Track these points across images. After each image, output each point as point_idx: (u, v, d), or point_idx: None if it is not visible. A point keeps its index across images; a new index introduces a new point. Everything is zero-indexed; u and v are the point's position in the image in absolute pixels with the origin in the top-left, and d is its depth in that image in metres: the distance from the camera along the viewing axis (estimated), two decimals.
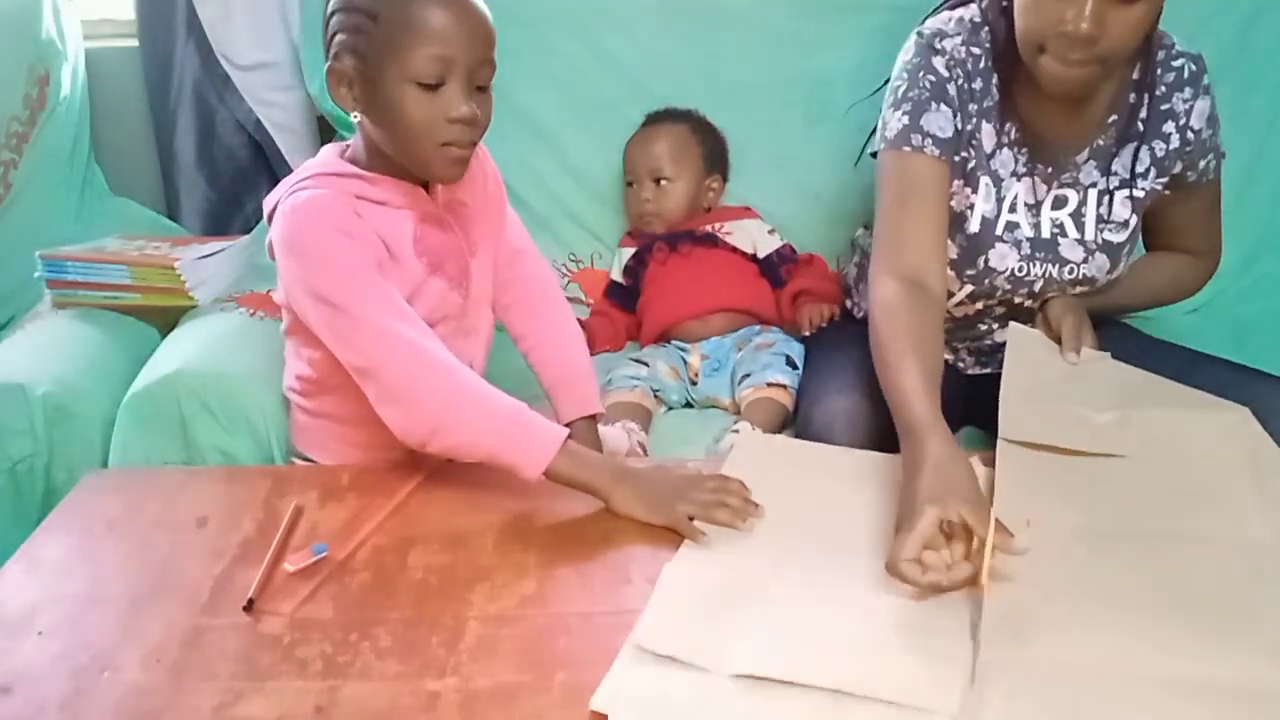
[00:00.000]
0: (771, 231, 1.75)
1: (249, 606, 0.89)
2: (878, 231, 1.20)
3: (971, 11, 1.23)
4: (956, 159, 1.22)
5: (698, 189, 1.74)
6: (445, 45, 1.01)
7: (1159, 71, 1.20)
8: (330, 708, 0.78)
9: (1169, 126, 1.22)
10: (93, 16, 1.98)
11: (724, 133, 1.78)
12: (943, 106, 1.20)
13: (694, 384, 1.59)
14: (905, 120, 1.20)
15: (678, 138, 1.73)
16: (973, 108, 1.21)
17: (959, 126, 1.20)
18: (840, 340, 1.40)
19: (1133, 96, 1.21)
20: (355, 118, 1.08)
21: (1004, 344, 1.26)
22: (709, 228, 1.73)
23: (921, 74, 1.21)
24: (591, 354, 1.73)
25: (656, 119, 1.77)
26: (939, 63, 1.21)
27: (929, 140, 1.19)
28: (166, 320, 1.53)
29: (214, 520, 1.03)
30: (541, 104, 1.80)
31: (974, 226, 1.24)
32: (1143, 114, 1.22)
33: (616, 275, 1.80)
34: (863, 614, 0.86)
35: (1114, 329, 1.37)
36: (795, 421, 1.40)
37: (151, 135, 1.92)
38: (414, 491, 1.05)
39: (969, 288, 1.29)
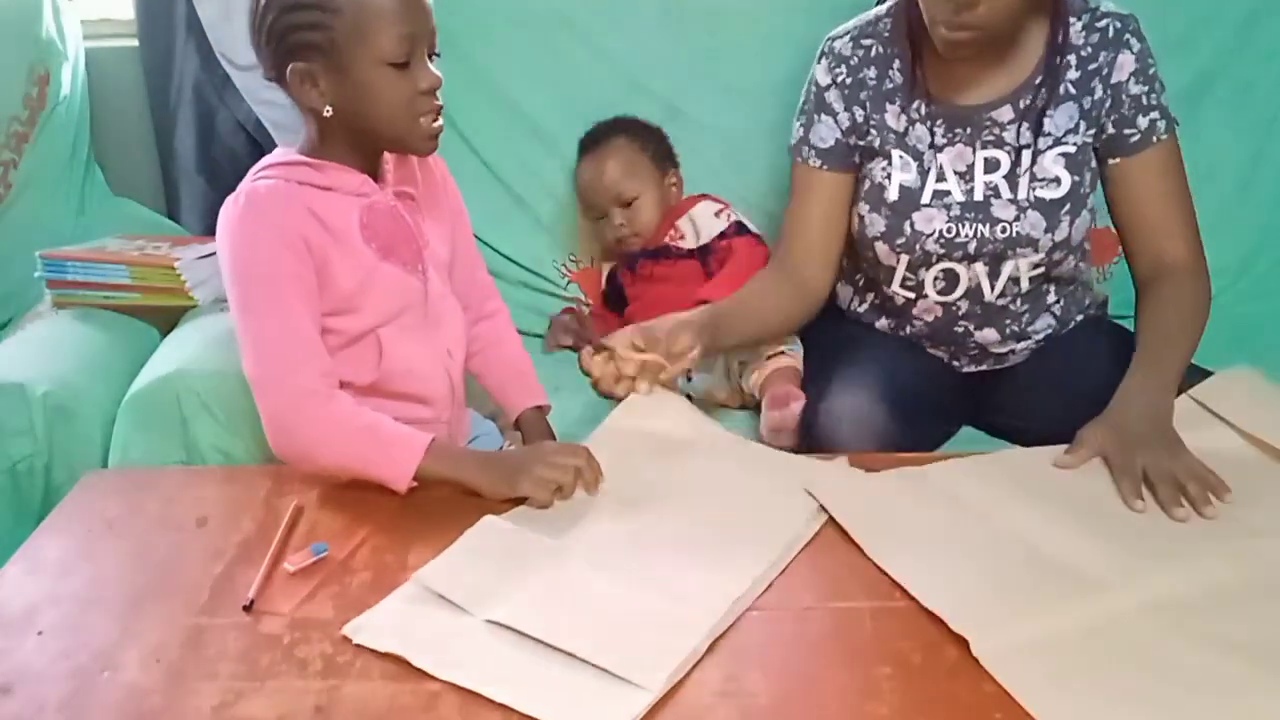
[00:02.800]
0: (719, 213, 1.67)
1: (249, 606, 0.89)
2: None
3: (880, 9, 1.33)
4: (855, 146, 1.33)
5: (662, 193, 1.71)
6: (409, 22, 1.05)
7: (1085, 34, 1.25)
8: (330, 708, 0.78)
9: (1095, 83, 1.26)
10: (93, 16, 1.98)
11: (661, 127, 1.74)
12: (824, 116, 1.33)
13: (689, 380, 1.58)
14: (801, 132, 1.36)
15: (623, 153, 1.68)
16: (864, 95, 1.31)
17: (847, 125, 1.32)
18: (841, 340, 1.40)
19: (1058, 59, 1.25)
20: (327, 113, 1.09)
21: (989, 345, 1.29)
22: (665, 239, 1.67)
23: (810, 86, 1.36)
24: None
25: (592, 143, 1.72)
26: (821, 69, 1.34)
27: (813, 153, 1.35)
28: (166, 320, 1.53)
29: (214, 520, 1.03)
30: (542, 104, 1.80)
31: (893, 195, 1.30)
32: (1072, 75, 1.25)
33: (604, 286, 1.79)
34: (636, 589, 0.87)
35: (1107, 331, 1.38)
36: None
37: (151, 135, 1.92)
38: (414, 491, 1.05)
39: (904, 258, 1.31)
